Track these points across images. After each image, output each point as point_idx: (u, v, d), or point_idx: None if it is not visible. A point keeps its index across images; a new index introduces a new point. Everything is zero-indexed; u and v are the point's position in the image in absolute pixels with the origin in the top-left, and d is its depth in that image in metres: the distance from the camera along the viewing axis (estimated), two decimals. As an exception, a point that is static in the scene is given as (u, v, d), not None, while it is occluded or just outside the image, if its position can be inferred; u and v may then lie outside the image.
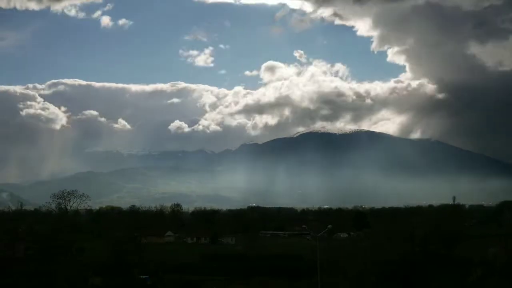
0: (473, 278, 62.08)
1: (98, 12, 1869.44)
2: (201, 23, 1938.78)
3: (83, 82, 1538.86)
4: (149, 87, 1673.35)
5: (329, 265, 64.51)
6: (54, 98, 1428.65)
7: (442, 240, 72.31)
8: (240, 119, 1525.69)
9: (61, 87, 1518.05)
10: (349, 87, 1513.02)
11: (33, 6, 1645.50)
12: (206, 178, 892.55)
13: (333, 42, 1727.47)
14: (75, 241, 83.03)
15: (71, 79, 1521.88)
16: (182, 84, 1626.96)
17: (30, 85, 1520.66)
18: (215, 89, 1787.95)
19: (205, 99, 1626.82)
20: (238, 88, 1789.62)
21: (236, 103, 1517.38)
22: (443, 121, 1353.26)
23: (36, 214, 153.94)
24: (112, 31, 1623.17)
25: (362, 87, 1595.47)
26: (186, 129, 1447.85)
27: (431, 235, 71.50)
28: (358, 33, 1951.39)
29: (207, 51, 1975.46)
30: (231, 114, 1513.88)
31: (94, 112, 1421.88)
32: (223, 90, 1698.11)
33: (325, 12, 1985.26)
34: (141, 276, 71.25)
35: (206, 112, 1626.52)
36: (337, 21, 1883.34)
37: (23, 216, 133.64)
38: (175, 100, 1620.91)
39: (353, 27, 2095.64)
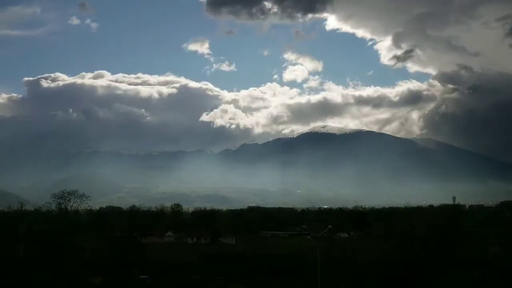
0: (473, 278, 62.01)
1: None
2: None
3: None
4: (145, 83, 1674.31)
5: (329, 265, 64.53)
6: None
7: (442, 240, 72.24)
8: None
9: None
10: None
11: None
12: (206, 178, 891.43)
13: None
14: (75, 241, 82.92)
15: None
16: (182, 81, 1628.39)
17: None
18: (217, 89, 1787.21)
19: (206, 98, 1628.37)
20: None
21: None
22: (444, 120, 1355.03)
23: (36, 214, 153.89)
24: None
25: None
26: (186, 129, 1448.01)
27: (431, 235, 71.42)
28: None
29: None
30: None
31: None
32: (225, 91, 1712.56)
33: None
34: (141, 276, 71.26)
35: (206, 111, 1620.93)
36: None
37: (23, 216, 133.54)
38: (175, 98, 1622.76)
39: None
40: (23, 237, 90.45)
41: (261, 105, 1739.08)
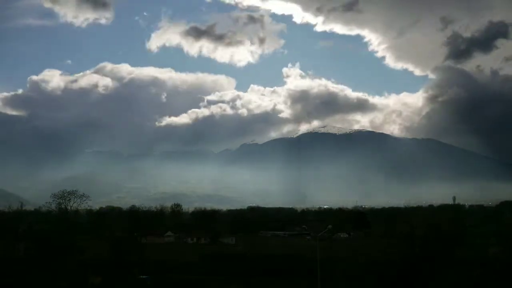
0: (473, 278, 61.96)
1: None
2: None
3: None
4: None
5: (329, 265, 64.54)
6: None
7: (442, 240, 72.25)
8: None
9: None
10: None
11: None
12: (206, 178, 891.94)
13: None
14: (75, 241, 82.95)
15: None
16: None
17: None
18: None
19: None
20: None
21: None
22: (443, 120, 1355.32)
23: (36, 214, 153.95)
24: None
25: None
26: (186, 128, 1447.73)
27: (431, 235, 71.43)
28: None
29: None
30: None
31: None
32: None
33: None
34: (141, 276, 71.22)
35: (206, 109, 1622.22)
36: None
37: (23, 216, 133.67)
38: (176, 97, 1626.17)
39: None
40: (23, 237, 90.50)
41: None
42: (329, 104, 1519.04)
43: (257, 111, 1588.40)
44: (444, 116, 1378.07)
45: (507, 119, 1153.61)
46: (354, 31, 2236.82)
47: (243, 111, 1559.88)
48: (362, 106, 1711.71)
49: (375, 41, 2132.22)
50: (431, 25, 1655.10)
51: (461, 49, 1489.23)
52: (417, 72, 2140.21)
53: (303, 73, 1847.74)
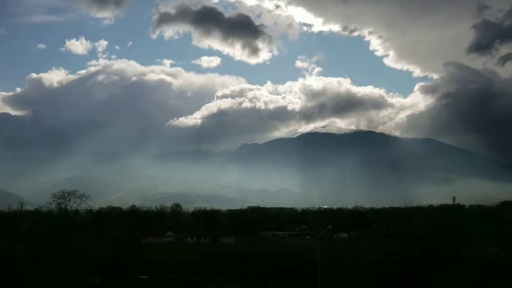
0: (473, 278, 61.99)
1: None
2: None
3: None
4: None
5: (329, 265, 64.55)
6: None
7: (442, 240, 72.33)
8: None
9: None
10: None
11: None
12: (206, 178, 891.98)
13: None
14: (75, 241, 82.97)
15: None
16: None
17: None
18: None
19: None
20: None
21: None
22: (443, 120, 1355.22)
23: (36, 214, 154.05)
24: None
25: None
26: (185, 128, 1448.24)
27: (431, 235, 71.53)
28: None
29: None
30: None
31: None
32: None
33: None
34: (141, 276, 71.24)
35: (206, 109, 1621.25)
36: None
37: (23, 216, 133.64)
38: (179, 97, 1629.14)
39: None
40: (23, 237, 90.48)
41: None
42: (340, 102, 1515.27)
43: (269, 107, 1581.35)
44: (444, 116, 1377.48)
45: (507, 119, 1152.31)
46: (356, 31, 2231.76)
47: (252, 106, 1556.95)
48: (378, 105, 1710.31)
49: (376, 40, 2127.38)
50: (437, 23, 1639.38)
51: (485, 40, 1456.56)
52: (418, 72, 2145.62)
53: (313, 71, 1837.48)
